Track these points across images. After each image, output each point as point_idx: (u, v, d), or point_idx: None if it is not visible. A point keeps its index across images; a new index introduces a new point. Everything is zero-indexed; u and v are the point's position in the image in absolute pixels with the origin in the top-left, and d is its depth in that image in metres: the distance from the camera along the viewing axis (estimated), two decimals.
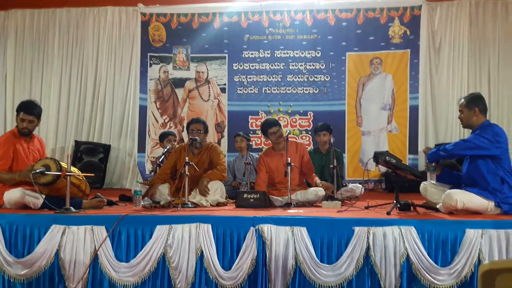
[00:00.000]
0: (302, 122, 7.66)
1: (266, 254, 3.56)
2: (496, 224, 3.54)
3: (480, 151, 3.95)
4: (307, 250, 3.52)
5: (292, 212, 4.15)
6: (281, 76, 7.75)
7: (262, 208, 4.40)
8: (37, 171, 4.02)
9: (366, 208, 4.37)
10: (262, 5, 7.78)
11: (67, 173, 3.99)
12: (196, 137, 4.91)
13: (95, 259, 3.66)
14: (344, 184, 5.77)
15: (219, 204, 4.68)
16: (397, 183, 4.32)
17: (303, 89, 7.71)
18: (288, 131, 5.31)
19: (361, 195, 5.08)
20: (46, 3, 8.20)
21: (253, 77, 7.79)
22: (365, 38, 7.59)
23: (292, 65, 7.74)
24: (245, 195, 4.56)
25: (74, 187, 4.23)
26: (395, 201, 4.11)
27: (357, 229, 3.54)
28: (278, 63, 7.76)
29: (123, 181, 7.91)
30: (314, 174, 5.18)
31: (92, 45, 8.09)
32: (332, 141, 5.44)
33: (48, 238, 3.69)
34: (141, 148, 7.81)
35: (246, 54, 7.80)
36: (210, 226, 3.65)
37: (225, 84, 7.84)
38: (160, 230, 3.67)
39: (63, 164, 4.15)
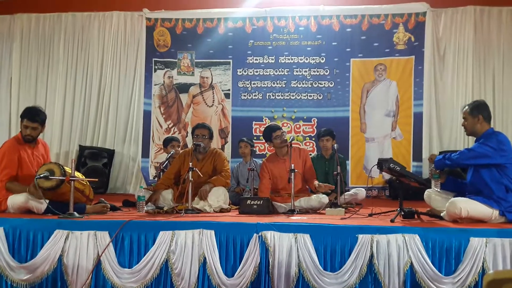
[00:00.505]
0: (306, 128, 7.66)
1: (269, 261, 3.55)
2: (501, 232, 3.52)
3: (485, 160, 3.93)
4: (310, 257, 3.51)
5: (296, 219, 4.14)
6: (285, 82, 7.75)
7: (265, 214, 4.39)
8: (41, 175, 4.02)
9: (370, 215, 4.36)
10: (266, 10, 7.79)
11: (71, 178, 3.99)
12: (200, 143, 4.91)
13: (98, 265, 3.65)
14: (347, 190, 5.77)
15: (222, 210, 4.67)
16: (401, 190, 4.30)
17: (307, 95, 7.70)
18: (292, 137, 5.31)
19: (364, 199, 5.04)
20: (51, 7, 8.24)
21: (257, 83, 7.80)
22: (370, 44, 7.59)
23: (296, 71, 7.75)
24: (248, 202, 4.55)
25: (78, 192, 4.23)
26: (399, 209, 4.09)
27: (360, 236, 3.52)
28: (282, 69, 7.77)
29: (126, 186, 7.92)
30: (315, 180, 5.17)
31: (97, 49, 8.12)
32: (336, 147, 5.43)
33: (51, 243, 3.69)
34: (145, 153, 7.82)
35: (251, 59, 7.81)
36: (213, 232, 3.65)
37: (229, 90, 7.84)
38: (163, 236, 3.66)
39: (67, 169, 4.16)
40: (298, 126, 7.67)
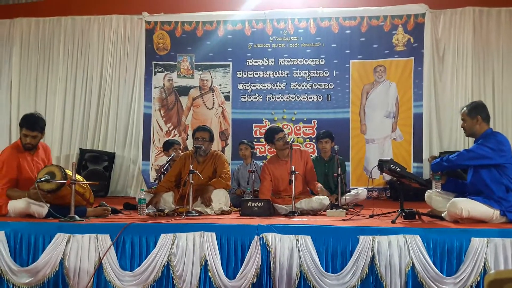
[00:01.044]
0: (306, 130, 7.66)
1: (270, 263, 3.55)
2: (502, 233, 3.52)
3: (484, 161, 3.93)
4: (311, 259, 3.51)
5: (297, 220, 4.13)
6: (285, 84, 7.76)
7: (266, 216, 4.39)
8: (42, 179, 4.02)
9: (371, 216, 4.36)
10: (266, 13, 7.81)
11: (72, 181, 3.99)
12: (200, 145, 4.92)
13: (99, 268, 3.65)
14: (348, 191, 5.78)
15: (223, 213, 4.67)
16: (401, 191, 4.30)
17: (307, 97, 7.71)
18: (292, 138, 5.30)
19: (365, 199, 5.03)
20: (51, 11, 8.27)
21: (257, 85, 7.80)
22: (369, 46, 7.60)
23: (296, 73, 7.76)
24: (249, 204, 4.55)
25: (79, 195, 4.23)
26: (400, 210, 4.10)
27: (362, 237, 3.52)
28: (282, 71, 7.78)
29: (127, 189, 7.93)
30: (316, 182, 5.18)
31: (97, 53, 8.14)
32: (336, 149, 5.44)
33: (52, 246, 3.69)
34: (146, 156, 7.83)
35: (250, 62, 7.82)
36: (214, 234, 3.65)
37: (229, 92, 7.85)
38: (165, 239, 3.66)
39: (68, 172, 4.16)
40: (298, 128, 7.68)
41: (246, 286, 3.53)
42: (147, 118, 7.87)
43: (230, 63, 7.85)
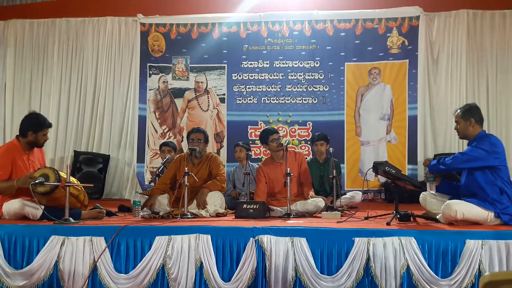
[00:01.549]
0: (301, 132, 7.67)
1: (266, 265, 3.55)
2: (496, 234, 3.54)
3: (479, 163, 3.95)
4: (307, 261, 3.51)
5: (292, 222, 4.14)
6: (280, 86, 7.77)
7: (261, 218, 4.39)
8: (36, 181, 4.00)
9: (366, 218, 4.37)
10: (261, 15, 7.81)
11: (66, 184, 3.97)
12: (196, 147, 4.91)
13: (94, 270, 3.64)
14: (343, 193, 5.79)
15: (218, 215, 4.66)
16: (396, 193, 4.31)
17: (302, 99, 7.72)
18: (287, 141, 5.31)
19: (360, 202, 5.04)
20: (45, 13, 8.23)
21: (252, 87, 7.81)
22: (364, 48, 7.62)
23: (291, 75, 7.77)
24: (244, 206, 4.55)
25: (73, 197, 4.21)
26: (395, 212, 4.11)
27: (357, 240, 3.53)
28: (277, 73, 7.79)
29: (122, 191, 7.91)
30: (310, 186, 5.16)
31: (91, 55, 8.11)
32: (331, 151, 5.45)
33: (47, 249, 3.67)
34: (141, 158, 7.81)
35: (245, 64, 7.83)
36: (209, 237, 3.64)
37: (224, 94, 7.85)
38: (159, 241, 3.65)
39: (62, 174, 4.14)
40: (293, 130, 7.68)
41: None
42: (142, 120, 7.85)
43: (225, 65, 7.85)
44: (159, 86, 7.93)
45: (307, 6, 7.86)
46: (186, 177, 4.43)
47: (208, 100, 7.88)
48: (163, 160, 5.47)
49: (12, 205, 4.18)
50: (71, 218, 3.97)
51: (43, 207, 4.09)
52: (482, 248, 3.44)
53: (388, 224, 3.88)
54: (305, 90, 7.73)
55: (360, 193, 5.57)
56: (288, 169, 4.60)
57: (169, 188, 4.98)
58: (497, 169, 3.96)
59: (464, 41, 7.54)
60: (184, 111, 7.91)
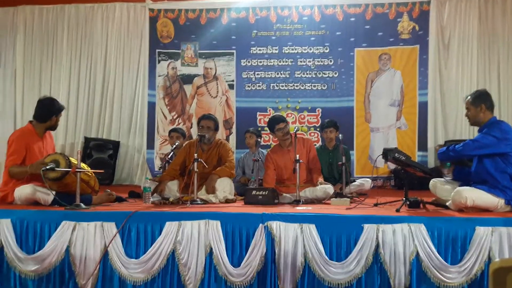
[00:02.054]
0: (310, 118, 7.65)
1: (275, 251, 3.57)
2: (506, 221, 3.52)
3: (489, 150, 3.92)
4: (316, 247, 3.52)
5: (301, 209, 4.15)
6: (289, 72, 7.73)
7: (270, 205, 4.39)
8: (47, 167, 4.04)
9: (375, 205, 4.36)
10: (270, 0, 7.75)
11: (77, 170, 4.01)
12: (205, 134, 4.91)
13: (105, 256, 3.68)
14: (352, 180, 5.78)
15: (228, 201, 4.68)
16: (406, 180, 4.29)
17: (311, 85, 7.69)
18: (296, 127, 5.29)
19: (370, 189, 5.03)
20: None
21: (261, 74, 7.78)
22: (374, 33, 7.55)
23: (300, 61, 7.73)
24: (253, 192, 4.55)
25: (84, 183, 4.25)
26: (404, 198, 4.10)
27: (366, 226, 3.53)
28: (286, 59, 7.75)
29: (132, 177, 7.96)
30: (320, 173, 5.16)
31: (100, 41, 8.12)
32: (340, 138, 5.43)
33: (58, 234, 3.72)
34: (150, 144, 7.84)
35: (254, 50, 7.79)
36: (219, 222, 3.66)
37: (233, 81, 7.83)
38: (170, 227, 3.68)
39: (72, 160, 4.17)
40: (302, 116, 7.66)
41: (250, 274, 3.55)
42: (151, 107, 7.86)
43: (234, 51, 7.82)
44: (168, 72, 7.92)
45: None
46: (195, 163, 4.44)
47: (217, 87, 7.87)
48: (172, 146, 5.48)
49: (24, 191, 4.23)
50: (82, 204, 4.01)
51: (54, 192, 4.14)
52: (492, 235, 3.43)
53: (397, 210, 3.88)
54: (314, 76, 7.69)
55: (370, 180, 5.56)
56: (298, 155, 4.59)
57: (179, 174, 5.00)
58: (508, 156, 3.93)
59: (476, 26, 7.46)
60: (193, 97, 7.90)
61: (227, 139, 7.68)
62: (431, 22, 7.42)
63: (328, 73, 7.66)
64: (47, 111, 4.52)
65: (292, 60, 7.74)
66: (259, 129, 7.40)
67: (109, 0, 8.13)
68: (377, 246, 3.48)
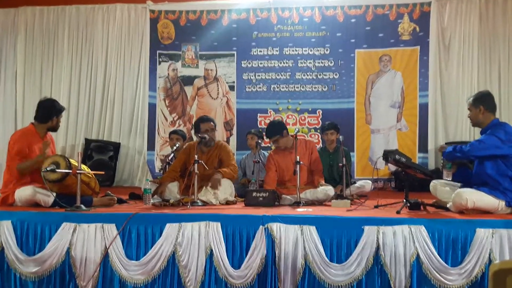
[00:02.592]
0: (310, 120, 7.64)
1: (275, 253, 3.57)
2: (507, 223, 3.52)
3: (495, 151, 3.90)
4: (316, 249, 3.52)
5: (301, 211, 4.15)
6: (290, 73, 7.73)
7: (271, 206, 4.40)
8: (48, 168, 4.04)
9: (376, 207, 4.36)
10: (270, 2, 7.75)
11: (77, 171, 4.01)
12: (205, 136, 4.91)
13: (105, 257, 3.68)
14: (353, 182, 5.77)
15: (228, 203, 4.68)
16: (407, 182, 4.29)
17: (311, 86, 7.68)
18: (296, 129, 5.28)
19: (370, 191, 5.03)
20: (55, 0, 8.23)
21: (261, 75, 7.78)
22: (374, 35, 7.54)
23: (301, 63, 7.72)
24: (254, 194, 4.55)
25: (84, 184, 4.25)
26: (405, 200, 4.09)
27: (366, 228, 3.53)
28: (287, 61, 7.75)
29: (133, 179, 7.96)
30: (321, 174, 5.16)
31: (101, 42, 8.12)
32: (341, 140, 5.42)
33: (59, 236, 3.73)
34: (151, 146, 7.83)
35: (255, 51, 7.78)
36: (219, 224, 3.66)
37: (233, 82, 7.83)
38: (170, 229, 3.68)
39: (73, 161, 4.18)
40: (303, 118, 7.66)
41: (251, 276, 3.56)
42: (152, 108, 7.86)
43: (235, 52, 7.81)
44: (168, 73, 7.92)
45: None
46: (196, 165, 4.44)
47: (218, 88, 7.87)
48: (172, 148, 5.49)
49: (24, 192, 4.25)
50: (82, 205, 4.01)
51: (55, 194, 4.14)
52: (492, 237, 3.43)
53: (398, 212, 3.88)
54: (315, 77, 7.68)
55: (370, 182, 5.56)
56: (298, 157, 4.59)
57: (179, 176, 5.00)
58: (510, 158, 3.91)
59: (476, 27, 7.46)
60: (194, 99, 7.90)
61: (228, 140, 7.68)
62: (432, 23, 7.41)
63: (329, 74, 7.66)
64: (48, 112, 4.54)
65: (292, 61, 7.73)
66: (260, 130, 7.39)
67: (109, 1, 8.14)
68: (378, 248, 3.48)
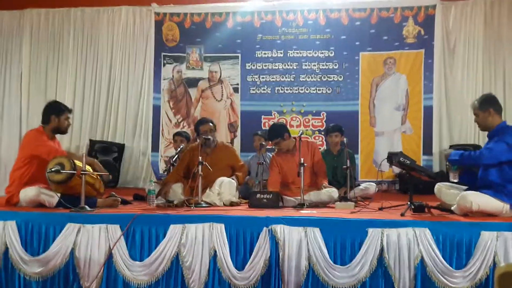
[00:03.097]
0: (315, 122, 7.64)
1: (279, 255, 3.56)
2: (511, 226, 3.50)
3: (504, 157, 3.84)
4: (320, 251, 3.51)
5: (305, 212, 4.14)
6: (294, 76, 7.73)
7: (275, 208, 4.40)
8: (52, 169, 4.06)
9: (380, 209, 4.35)
10: (275, 4, 7.77)
11: (82, 172, 4.02)
12: (210, 137, 4.93)
13: (109, 258, 3.68)
14: (357, 184, 5.76)
15: (232, 204, 4.68)
16: (411, 184, 4.28)
17: (316, 89, 7.68)
18: (301, 131, 5.28)
19: (374, 194, 5.02)
20: (60, 2, 8.26)
21: (266, 77, 7.79)
22: (379, 37, 7.55)
23: (305, 65, 7.73)
24: (258, 195, 4.56)
25: (89, 185, 4.27)
26: (409, 203, 4.08)
27: (370, 230, 3.52)
28: (291, 63, 7.75)
29: (137, 180, 7.95)
30: (325, 176, 5.15)
31: (106, 44, 8.14)
32: (345, 142, 5.42)
33: (63, 236, 3.73)
34: (155, 147, 7.85)
35: (259, 54, 7.80)
36: (223, 226, 3.66)
37: (237, 84, 7.84)
38: (174, 230, 3.68)
39: (78, 163, 4.19)
40: (307, 120, 7.66)
41: (254, 278, 3.55)
42: (156, 110, 7.88)
43: (239, 54, 7.83)
44: (173, 75, 7.94)
45: None
46: (200, 166, 4.44)
47: (222, 90, 7.88)
48: (176, 150, 5.49)
49: (29, 193, 4.27)
50: (86, 206, 4.02)
51: (59, 194, 4.15)
52: (497, 240, 3.41)
53: (402, 215, 3.87)
54: (319, 80, 7.69)
55: (374, 184, 5.55)
56: (302, 159, 4.59)
57: (183, 177, 5.01)
58: None
59: (481, 31, 7.43)
60: (198, 101, 7.92)
61: (232, 142, 7.69)
62: (437, 27, 7.40)
63: (333, 77, 7.66)
64: (46, 111, 4.60)
65: (297, 64, 7.74)
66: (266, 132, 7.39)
67: (115, 4, 8.16)
68: (382, 250, 3.47)
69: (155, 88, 7.90)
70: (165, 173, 5.54)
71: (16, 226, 3.79)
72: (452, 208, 4.04)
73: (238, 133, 7.79)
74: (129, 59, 8.11)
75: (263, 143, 6.22)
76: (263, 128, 7.59)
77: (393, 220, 3.66)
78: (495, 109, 4.05)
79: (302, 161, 4.56)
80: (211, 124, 5.10)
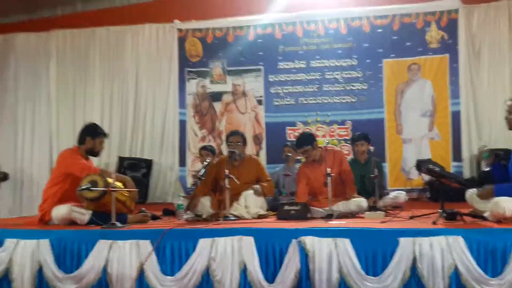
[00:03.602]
0: (340, 131, 7.60)
1: (309, 267, 3.53)
2: None
3: None
4: (351, 262, 3.47)
5: (334, 223, 4.10)
6: (318, 86, 7.72)
7: (303, 219, 4.37)
8: (83, 187, 4.13)
9: (411, 218, 4.28)
10: (295, 15, 7.79)
11: (112, 189, 4.08)
12: (235, 150, 4.95)
13: (141, 273, 3.71)
14: (387, 193, 5.69)
15: (260, 217, 4.68)
16: (441, 191, 4.21)
17: (340, 98, 7.65)
18: (326, 141, 5.25)
19: (405, 202, 4.94)
20: (85, 22, 8.42)
21: (289, 88, 7.80)
22: (402, 44, 7.49)
23: (328, 74, 7.72)
24: (286, 207, 4.54)
25: (120, 203, 4.32)
26: (440, 210, 4.01)
27: (402, 240, 3.47)
28: (314, 73, 7.75)
29: (166, 195, 8.02)
30: (353, 186, 5.10)
31: (131, 62, 8.28)
32: (372, 151, 5.36)
33: (95, 253, 3.78)
34: (182, 162, 7.93)
35: (282, 65, 7.82)
36: (252, 238, 3.65)
37: (261, 96, 7.87)
38: (203, 244, 3.69)
39: (110, 180, 4.26)
40: (332, 130, 7.62)
41: None
42: (182, 125, 7.97)
43: (262, 67, 7.87)
44: (197, 90, 8.02)
45: (342, 3, 7.78)
46: (227, 179, 4.46)
47: (246, 103, 7.92)
48: (203, 164, 5.52)
49: (60, 211, 4.37)
50: (117, 222, 4.07)
51: (90, 212, 4.22)
52: None
53: (434, 223, 3.80)
54: (343, 89, 7.66)
55: (404, 193, 5.45)
56: (329, 169, 4.56)
57: (211, 191, 5.03)
58: None
59: (506, 32, 7.32)
60: (223, 114, 7.97)
61: (258, 154, 7.70)
62: (460, 31, 7.32)
63: (357, 85, 7.62)
64: (83, 132, 4.70)
65: (320, 73, 7.74)
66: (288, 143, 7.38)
67: (138, 22, 8.30)
68: (414, 259, 3.41)
69: (180, 103, 7.99)
70: (193, 187, 5.56)
71: (50, 244, 3.86)
72: (485, 214, 3.95)
73: (264, 145, 7.80)
74: (154, 75, 8.23)
75: (289, 154, 6.21)
76: (288, 139, 7.58)
77: (425, 229, 3.59)
78: None
79: (329, 171, 4.52)
80: (240, 137, 5.12)
